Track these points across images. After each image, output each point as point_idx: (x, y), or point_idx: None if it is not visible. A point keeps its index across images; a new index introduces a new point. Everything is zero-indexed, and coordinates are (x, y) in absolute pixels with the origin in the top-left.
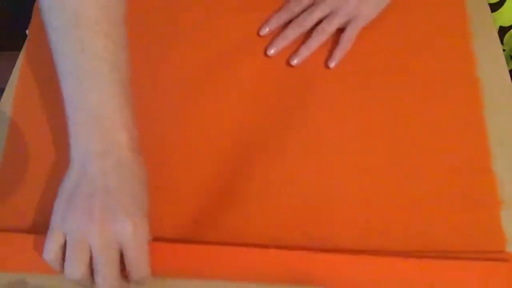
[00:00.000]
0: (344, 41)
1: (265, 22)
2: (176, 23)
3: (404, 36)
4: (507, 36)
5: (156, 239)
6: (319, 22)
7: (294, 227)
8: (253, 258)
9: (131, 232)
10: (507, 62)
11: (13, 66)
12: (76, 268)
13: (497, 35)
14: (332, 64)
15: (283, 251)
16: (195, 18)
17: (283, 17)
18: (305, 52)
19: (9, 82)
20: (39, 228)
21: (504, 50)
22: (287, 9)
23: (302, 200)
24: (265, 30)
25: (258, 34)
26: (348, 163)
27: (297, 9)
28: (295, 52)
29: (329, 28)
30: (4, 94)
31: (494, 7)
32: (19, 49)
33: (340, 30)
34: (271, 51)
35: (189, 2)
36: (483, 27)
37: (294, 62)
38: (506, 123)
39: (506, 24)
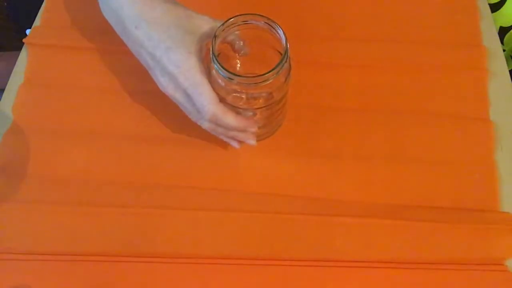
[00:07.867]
0: None
1: None
2: None
3: None
4: (507, 36)
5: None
6: None
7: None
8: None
9: None
10: (507, 62)
11: (13, 66)
12: None
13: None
14: None
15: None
16: None
17: None
18: None
19: (9, 82)
20: (35, 227)
21: (504, 50)
22: None
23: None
24: None
25: None
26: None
27: None
28: None
29: None
30: (4, 94)
31: (494, 7)
32: (19, 49)
33: None
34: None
35: None
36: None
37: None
38: (506, 123)
39: (506, 24)
